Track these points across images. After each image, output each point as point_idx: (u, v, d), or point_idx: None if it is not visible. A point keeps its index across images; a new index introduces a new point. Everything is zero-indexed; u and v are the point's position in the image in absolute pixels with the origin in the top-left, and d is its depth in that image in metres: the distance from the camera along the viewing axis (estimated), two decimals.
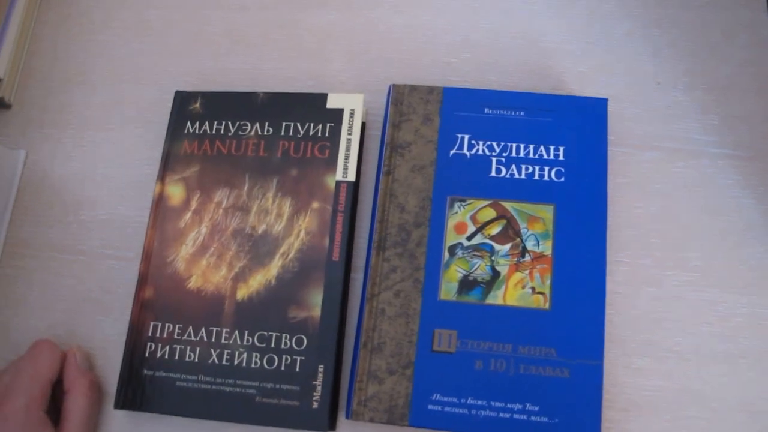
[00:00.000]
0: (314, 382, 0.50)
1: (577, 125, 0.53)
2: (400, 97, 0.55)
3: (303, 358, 0.51)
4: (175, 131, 0.58)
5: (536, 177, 0.52)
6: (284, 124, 0.56)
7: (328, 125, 0.56)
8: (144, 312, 0.53)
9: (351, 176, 0.55)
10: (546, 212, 0.52)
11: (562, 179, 0.52)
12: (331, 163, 0.55)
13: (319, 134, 0.56)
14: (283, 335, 0.52)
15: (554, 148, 0.53)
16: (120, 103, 0.62)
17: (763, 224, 0.53)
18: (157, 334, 0.53)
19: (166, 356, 0.52)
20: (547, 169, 0.52)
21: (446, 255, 0.51)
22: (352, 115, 0.56)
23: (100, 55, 0.64)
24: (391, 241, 0.52)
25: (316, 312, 0.52)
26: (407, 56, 0.60)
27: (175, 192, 0.56)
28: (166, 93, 0.60)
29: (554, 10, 0.60)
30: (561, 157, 0.53)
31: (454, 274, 0.51)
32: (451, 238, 0.52)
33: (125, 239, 0.58)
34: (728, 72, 0.57)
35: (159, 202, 0.56)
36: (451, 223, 0.52)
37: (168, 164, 0.57)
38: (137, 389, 0.52)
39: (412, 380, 0.49)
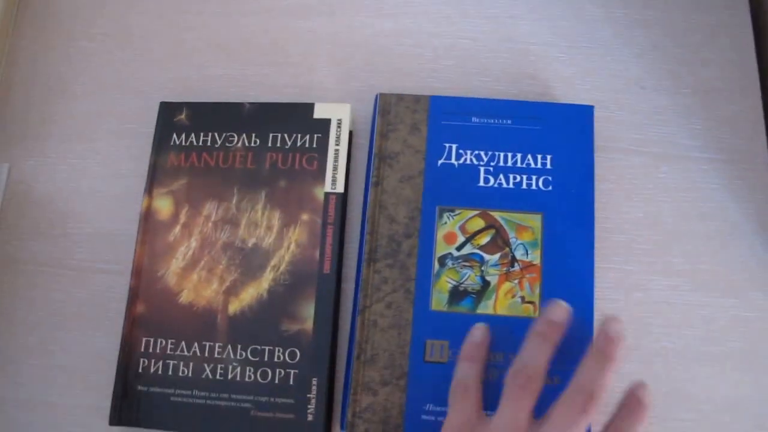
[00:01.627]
0: (308, 395, 0.51)
1: (564, 133, 0.54)
2: (387, 107, 0.55)
3: (297, 371, 0.51)
4: (161, 143, 0.57)
5: (524, 186, 0.53)
6: (271, 135, 0.56)
7: (315, 136, 0.56)
8: (136, 328, 0.53)
9: (340, 188, 0.55)
10: (534, 221, 0.52)
11: (550, 188, 0.52)
12: (320, 175, 0.55)
13: (307, 145, 0.56)
14: (276, 349, 0.52)
15: (542, 156, 0.53)
16: (104, 113, 0.62)
17: (747, 227, 0.54)
18: (150, 350, 0.53)
19: (160, 372, 0.52)
20: (534, 177, 0.53)
21: (436, 266, 0.52)
22: (339, 125, 0.56)
23: (81, 65, 0.63)
24: (381, 252, 0.52)
25: (309, 325, 0.52)
26: (392, 63, 0.60)
27: (164, 205, 0.56)
28: (151, 102, 0.60)
29: (538, 15, 0.60)
30: (548, 166, 0.53)
31: (444, 284, 0.51)
32: (441, 249, 0.52)
33: (114, 253, 0.58)
34: (711, 74, 0.58)
35: (147, 216, 0.56)
36: (440, 233, 0.52)
37: (155, 177, 0.56)
38: (132, 405, 0.52)
39: (406, 391, 0.49)
